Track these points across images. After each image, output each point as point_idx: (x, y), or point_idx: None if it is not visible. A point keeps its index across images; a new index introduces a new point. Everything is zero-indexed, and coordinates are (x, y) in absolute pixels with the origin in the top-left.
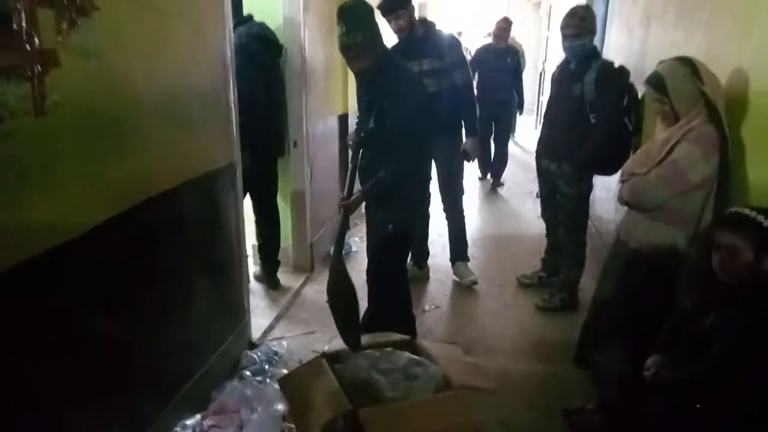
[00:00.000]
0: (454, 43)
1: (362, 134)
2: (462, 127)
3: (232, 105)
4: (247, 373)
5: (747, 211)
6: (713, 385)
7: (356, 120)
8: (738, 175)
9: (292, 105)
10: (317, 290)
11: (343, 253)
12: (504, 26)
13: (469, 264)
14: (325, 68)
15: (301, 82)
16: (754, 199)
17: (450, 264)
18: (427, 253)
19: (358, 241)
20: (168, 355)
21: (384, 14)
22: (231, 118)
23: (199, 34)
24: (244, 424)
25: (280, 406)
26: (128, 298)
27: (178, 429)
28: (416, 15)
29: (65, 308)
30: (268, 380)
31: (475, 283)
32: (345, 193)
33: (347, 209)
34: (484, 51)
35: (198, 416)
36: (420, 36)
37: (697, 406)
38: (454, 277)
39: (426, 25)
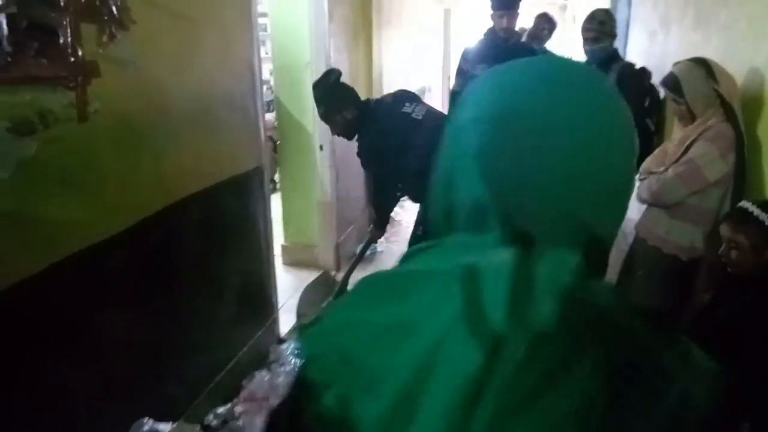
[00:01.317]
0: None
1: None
2: None
3: (259, 110)
4: (276, 365)
5: (751, 207)
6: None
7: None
8: (754, 172)
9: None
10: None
11: (368, 253)
12: (546, 26)
13: None
14: (350, 74)
15: None
16: None
17: None
18: None
19: (383, 241)
20: (199, 348)
21: (495, 7)
22: (258, 123)
23: (227, 42)
24: (265, 411)
25: None
26: (161, 293)
27: (210, 417)
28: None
29: (102, 303)
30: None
31: None
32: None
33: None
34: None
35: (229, 405)
36: (510, 44)
37: None
38: None
39: (516, 35)
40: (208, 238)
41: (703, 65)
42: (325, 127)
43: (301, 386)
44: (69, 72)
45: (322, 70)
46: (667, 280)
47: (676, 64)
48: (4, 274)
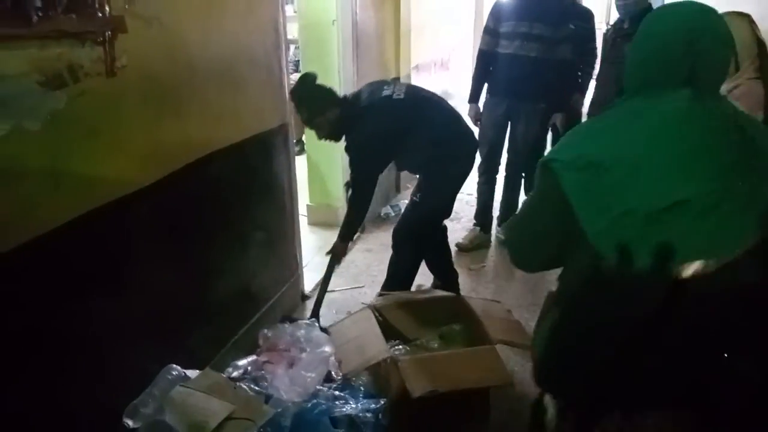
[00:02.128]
0: (586, 15)
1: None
2: (548, 100)
3: (284, 68)
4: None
5: None
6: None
7: None
8: None
9: (344, 71)
10: (366, 248)
11: (392, 214)
12: None
13: None
14: (377, 33)
15: (352, 48)
16: None
17: (497, 226)
18: (491, 220)
19: (407, 203)
20: (224, 301)
21: None
22: (283, 81)
23: (252, 0)
24: (294, 362)
25: (328, 348)
26: (188, 246)
27: (230, 369)
28: None
29: (131, 254)
30: (316, 324)
31: None
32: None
33: (335, 257)
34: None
35: (252, 357)
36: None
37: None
38: (500, 238)
39: None
40: (234, 193)
41: (744, 16)
42: (350, 88)
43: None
44: (97, 27)
45: (349, 27)
46: None
47: None
48: (37, 223)
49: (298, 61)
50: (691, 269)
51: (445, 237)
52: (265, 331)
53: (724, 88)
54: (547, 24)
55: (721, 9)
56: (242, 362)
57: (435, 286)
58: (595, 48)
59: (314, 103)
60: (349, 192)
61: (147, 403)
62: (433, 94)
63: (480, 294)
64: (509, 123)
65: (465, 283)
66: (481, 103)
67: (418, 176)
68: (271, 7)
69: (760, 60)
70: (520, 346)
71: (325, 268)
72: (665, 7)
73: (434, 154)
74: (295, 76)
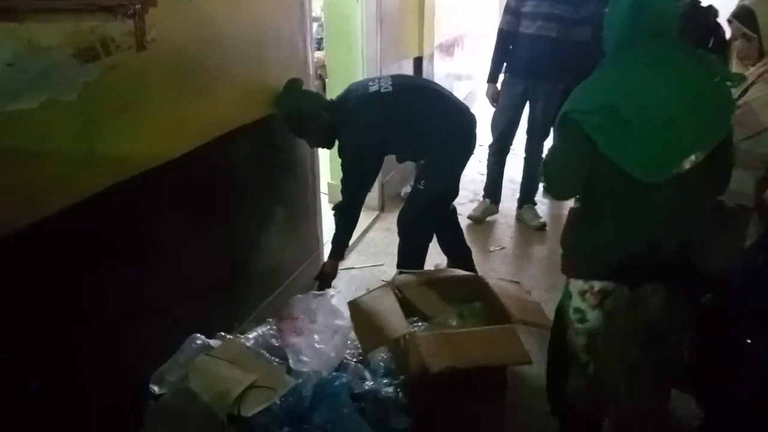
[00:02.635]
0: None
1: None
2: (567, 78)
3: (308, 46)
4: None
5: None
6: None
7: None
8: None
9: (368, 49)
10: (386, 227)
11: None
12: None
13: (536, 208)
14: (401, 11)
15: (376, 25)
16: None
17: (517, 208)
18: (500, 193)
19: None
20: (247, 274)
21: None
22: (307, 59)
23: None
24: (303, 332)
25: (339, 321)
26: (212, 219)
27: (249, 335)
28: None
29: (158, 225)
30: (330, 295)
31: (543, 225)
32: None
33: (324, 279)
34: None
35: (267, 325)
36: None
37: (748, 341)
38: (521, 220)
39: None
40: (257, 169)
41: None
42: (374, 66)
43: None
44: (128, 0)
45: (373, 5)
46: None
47: None
48: (69, 193)
49: (321, 39)
50: (688, 162)
51: (455, 217)
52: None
53: (753, 72)
54: (567, 4)
55: None
56: (260, 329)
57: (449, 266)
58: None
59: (304, 110)
60: (336, 211)
61: (173, 370)
62: (423, 80)
63: (499, 275)
64: (527, 103)
65: (484, 264)
66: (499, 84)
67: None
68: None
69: None
70: (539, 326)
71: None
72: None
73: (432, 142)
74: (318, 54)
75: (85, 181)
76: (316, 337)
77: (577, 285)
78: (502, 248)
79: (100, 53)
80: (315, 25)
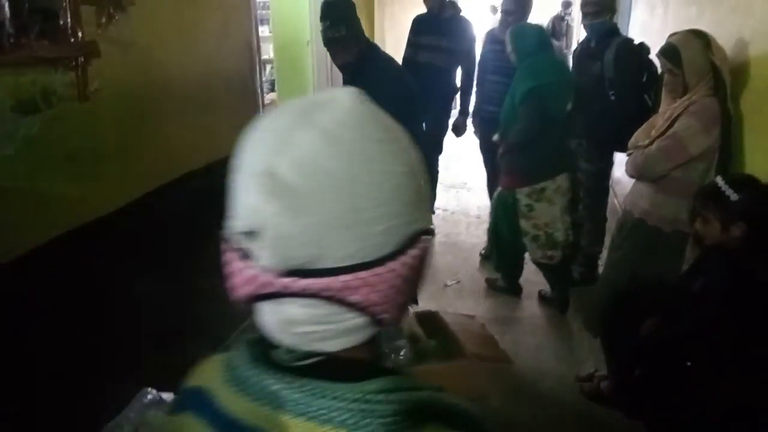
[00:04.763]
0: (472, 36)
1: None
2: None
3: (258, 88)
4: None
5: (721, 182)
6: (699, 344)
7: None
8: (738, 145)
9: (320, 88)
10: None
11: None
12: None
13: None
14: None
15: (327, 68)
16: (752, 168)
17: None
18: None
19: None
20: (200, 322)
21: None
22: (258, 101)
23: (226, 21)
24: None
25: None
26: (162, 267)
27: None
28: None
29: (105, 275)
30: None
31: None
32: None
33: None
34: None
35: None
36: (446, 17)
37: (688, 364)
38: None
39: (454, 8)
40: (210, 214)
41: (701, 36)
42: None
43: None
44: (70, 53)
45: (323, 48)
46: (651, 251)
47: (673, 34)
48: (11, 246)
49: (275, 80)
50: (569, 106)
51: None
52: None
53: (679, 105)
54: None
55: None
56: None
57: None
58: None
59: (355, 26)
60: None
61: (122, 426)
62: None
63: (456, 310)
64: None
65: (441, 298)
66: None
67: None
68: (245, 29)
69: (714, 79)
70: (495, 360)
71: None
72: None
73: None
74: (271, 96)
75: (28, 233)
76: None
77: (523, 191)
78: (458, 282)
79: (40, 105)
80: (268, 67)
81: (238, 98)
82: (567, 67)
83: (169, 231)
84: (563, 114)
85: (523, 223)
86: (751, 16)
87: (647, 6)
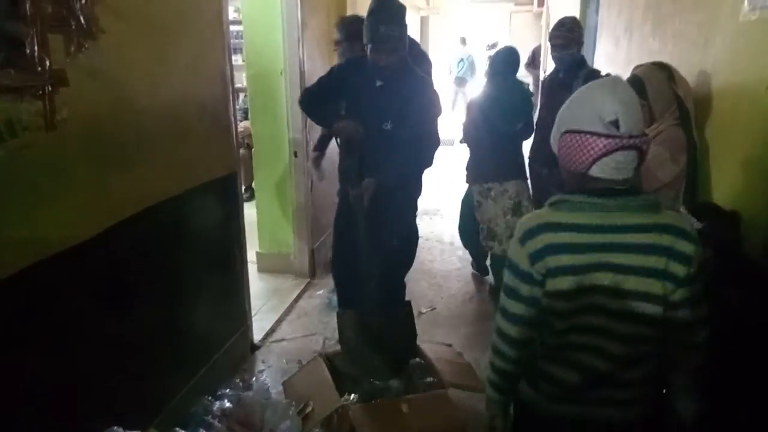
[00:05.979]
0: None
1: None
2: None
3: (232, 117)
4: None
5: (683, 212)
6: None
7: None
8: (704, 173)
9: (293, 119)
10: (318, 295)
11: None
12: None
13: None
14: None
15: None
16: (716, 195)
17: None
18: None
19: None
20: (173, 352)
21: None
22: (231, 130)
23: (199, 50)
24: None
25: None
26: (134, 299)
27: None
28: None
29: (73, 308)
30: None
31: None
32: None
33: (362, 195)
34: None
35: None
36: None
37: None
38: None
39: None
40: (180, 243)
41: (664, 69)
42: (300, 134)
43: None
44: (36, 81)
45: (297, 77)
46: None
47: (637, 66)
48: None
49: (248, 108)
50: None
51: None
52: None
53: (649, 133)
54: None
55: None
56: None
57: None
58: None
59: (406, 30)
60: None
61: None
62: None
63: (431, 337)
64: None
65: (417, 327)
66: None
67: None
68: (218, 59)
69: (679, 109)
70: (471, 388)
71: (274, 316)
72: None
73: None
74: (245, 124)
75: None
76: None
77: (475, 188)
78: (434, 309)
79: (4, 135)
80: (241, 96)
81: (212, 127)
82: (524, 89)
83: (138, 262)
84: (512, 129)
85: (476, 215)
86: (712, 48)
87: (611, 38)
